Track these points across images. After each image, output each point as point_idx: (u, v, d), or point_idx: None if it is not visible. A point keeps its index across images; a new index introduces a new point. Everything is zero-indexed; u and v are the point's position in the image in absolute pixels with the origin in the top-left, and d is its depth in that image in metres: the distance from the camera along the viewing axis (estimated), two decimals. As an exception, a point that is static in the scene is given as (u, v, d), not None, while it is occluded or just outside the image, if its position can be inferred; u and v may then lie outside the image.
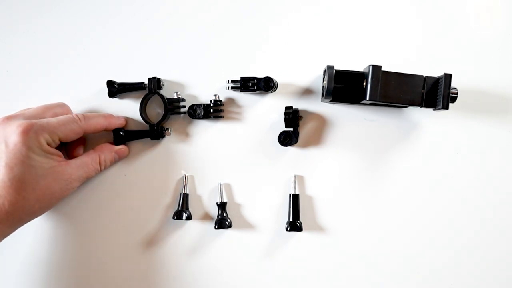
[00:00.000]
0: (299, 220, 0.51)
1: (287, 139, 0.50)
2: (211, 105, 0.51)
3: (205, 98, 0.53)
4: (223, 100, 0.53)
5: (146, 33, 0.53)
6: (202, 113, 0.51)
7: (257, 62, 0.53)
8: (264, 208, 0.53)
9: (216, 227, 0.51)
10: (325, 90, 0.48)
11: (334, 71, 0.47)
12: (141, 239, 0.53)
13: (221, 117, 0.52)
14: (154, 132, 0.52)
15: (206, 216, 0.53)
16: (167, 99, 0.51)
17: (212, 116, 0.52)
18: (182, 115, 0.53)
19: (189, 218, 0.52)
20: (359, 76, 0.48)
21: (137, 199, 0.53)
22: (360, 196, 0.52)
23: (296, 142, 0.50)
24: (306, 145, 0.52)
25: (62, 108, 0.50)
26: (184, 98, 0.52)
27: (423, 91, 0.47)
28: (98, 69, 0.54)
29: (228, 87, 0.51)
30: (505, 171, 0.52)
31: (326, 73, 0.47)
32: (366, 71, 0.46)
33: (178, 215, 0.51)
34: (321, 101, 0.52)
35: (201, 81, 0.53)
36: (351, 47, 0.52)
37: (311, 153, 0.52)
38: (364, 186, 0.52)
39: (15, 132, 0.44)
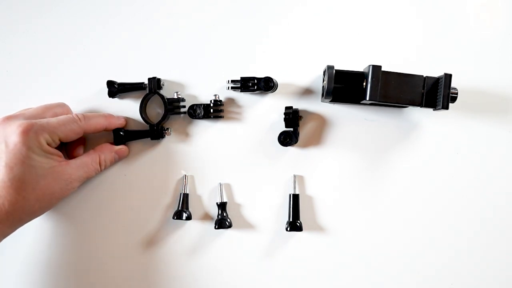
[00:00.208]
0: (299, 220, 0.51)
1: (287, 139, 0.50)
2: (211, 105, 0.51)
3: (205, 98, 0.53)
4: (223, 100, 0.53)
5: (146, 33, 0.53)
6: (202, 113, 0.51)
7: (257, 62, 0.53)
8: (264, 208, 0.53)
9: (216, 227, 0.51)
10: (325, 90, 0.48)
11: (334, 71, 0.47)
12: (141, 239, 0.53)
13: (221, 117, 0.52)
14: (154, 132, 0.52)
15: (206, 216, 0.53)
16: (167, 99, 0.51)
17: (212, 116, 0.52)
18: (182, 115, 0.53)
19: (189, 218, 0.52)
20: (359, 76, 0.48)
21: (137, 199, 0.53)
22: (360, 196, 0.52)
23: (296, 142, 0.50)
24: (306, 145, 0.52)
25: (62, 108, 0.50)
26: (184, 98, 0.52)
27: (423, 91, 0.47)
28: (98, 69, 0.54)
29: (228, 87, 0.51)
30: (505, 171, 0.52)
31: (326, 73, 0.47)
32: (366, 71, 0.46)
33: (178, 215, 0.51)
34: (321, 101, 0.52)
35: (201, 81, 0.53)
36: (351, 47, 0.52)
37: (311, 153, 0.52)
38: (364, 186, 0.52)
39: (15, 132, 0.44)
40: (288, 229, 0.51)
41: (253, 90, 0.50)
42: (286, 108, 0.50)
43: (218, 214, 0.52)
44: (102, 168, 0.51)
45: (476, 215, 0.52)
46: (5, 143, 0.44)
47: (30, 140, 0.44)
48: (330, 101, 0.50)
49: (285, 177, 0.52)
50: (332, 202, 0.52)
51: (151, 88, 0.51)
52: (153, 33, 0.53)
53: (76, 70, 0.54)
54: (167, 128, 0.53)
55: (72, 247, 0.53)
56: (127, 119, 0.53)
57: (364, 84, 0.46)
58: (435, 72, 0.47)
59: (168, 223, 0.53)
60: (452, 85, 0.46)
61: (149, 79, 0.52)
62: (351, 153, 0.52)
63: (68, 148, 0.51)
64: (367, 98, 0.45)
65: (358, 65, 0.49)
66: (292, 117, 0.50)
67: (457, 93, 0.48)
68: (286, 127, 0.51)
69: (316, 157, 0.52)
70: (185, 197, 0.52)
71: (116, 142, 0.52)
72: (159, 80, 0.52)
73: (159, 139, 0.52)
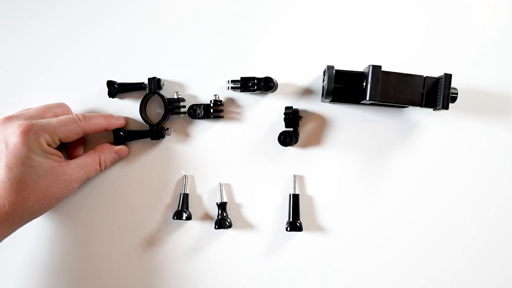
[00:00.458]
0: (299, 220, 0.51)
1: (287, 139, 0.50)
2: (211, 105, 0.51)
3: (205, 98, 0.53)
4: (223, 100, 0.53)
5: (146, 33, 0.53)
6: (202, 113, 0.51)
7: (257, 62, 0.53)
8: (264, 208, 0.53)
9: (216, 227, 0.51)
10: (325, 90, 0.48)
11: (334, 71, 0.47)
12: (141, 239, 0.53)
13: (221, 117, 0.52)
14: (154, 132, 0.52)
15: (206, 216, 0.53)
16: (167, 99, 0.51)
17: (212, 116, 0.52)
18: (182, 115, 0.53)
19: (189, 218, 0.52)
20: (359, 76, 0.48)
21: (137, 199, 0.53)
22: (360, 196, 0.52)
23: (296, 142, 0.50)
24: (306, 145, 0.52)
25: (62, 108, 0.50)
26: (184, 98, 0.52)
27: (423, 91, 0.47)
28: (98, 69, 0.54)
29: (228, 87, 0.51)
30: (505, 171, 0.52)
31: (326, 73, 0.47)
32: (366, 71, 0.46)
33: (178, 215, 0.51)
34: (321, 101, 0.52)
35: (201, 81, 0.53)
36: (351, 47, 0.52)
37: (311, 153, 0.52)
38: (364, 186, 0.52)
39: (15, 132, 0.44)
40: (288, 229, 0.51)
41: (253, 90, 0.50)
42: (286, 108, 0.50)
43: (218, 214, 0.52)
44: (102, 168, 0.51)
45: (476, 215, 0.52)
46: (5, 144, 0.44)
47: (30, 140, 0.44)
48: (330, 101, 0.50)
49: (285, 177, 0.52)
50: (332, 202, 0.52)
51: (151, 88, 0.51)
52: (153, 33, 0.53)
53: (76, 70, 0.54)
54: (167, 128, 0.53)
55: (72, 247, 0.53)
56: (127, 119, 0.53)
57: (364, 84, 0.46)
58: (435, 72, 0.47)
59: (168, 223, 0.53)
60: (452, 85, 0.46)
61: (149, 79, 0.52)
62: (351, 153, 0.52)
63: (68, 148, 0.51)
64: (367, 98, 0.45)
65: (358, 65, 0.49)
66: (292, 117, 0.50)
67: (457, 93, 0.48)
68: (286, 127, 0.51)
69: (316, 157, 0.52)
70: (185, 197, 0.52)
71: (116, 142, 0.52)
72: (159, 80, 0.52)
73: (159, 139, 0.52)
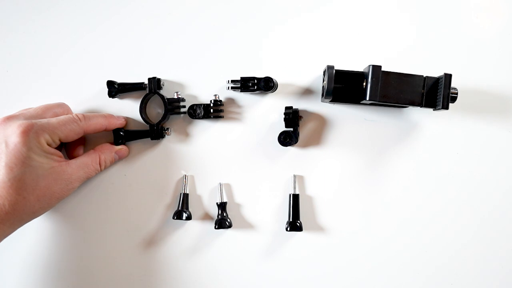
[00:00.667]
0: (299, 220, 0.51)
1: (287, 139, 0.50)
2: (211, 105, 0.51)
3: (205, 98, 0.53)
4: (223, 100, 0.53)
5: (146, 33, 0.53)
6: (202, 113, 0.51)
7: (257, 62, 0.53)
8: (264, 208, 0.53)
9: (216, 227, 0.51)
10: (325, 90, 0.48)
11: (334, 71, 0.47)
12: (141, 239, 0.53)
13: (221, 117, 0.52)
14: (154, 132, 0.52)
15: (206, 216, 0.53)
16: (167, 99, 0.51)
17: (212, 116, 0.52)
18: (182, 115, 0.53)
19: (189, 218, 0.52)
20: (359, 76, 0.48)
21: (137, 199, 0.53)
22: (360, 196, 0.52)
23: (296, 142, 0.50)
24: (306, 145, 0.52)
25: (62, 108, 0.50)
26: (184, 98, 0.52)
27: (423, 91, 0.47)
28: (98, 69, 0.54)
29: (228, 87, 0.51)
30: (505, 171, 0.52)
31: (326, 73, 0.47)
32: (366, 71, 0.46)
33: (178, 215, 0.51)
34: (321, 101, 0.52)
35: (201, 81, 0.53)
36: (351, 47, 0.52)
37: (311, 153, 0.52)
38: (364, 186, 0.52)
39: (15, 132, 0.44)
40: (288, 229, 0.51)
41: (253, 90, 0.50)
42: (286, 108, 0.50)
43: (218, 214, 0.52)
44: (102, 168, 0.51)
45: (476, 215, 0.52)
46: (5, 143, 0.44)
47: (30, 140, 0.44)
48: (330, 101, 0.50)
49: (285, 177, 0.52)
50: (332, 202, 0.52)
51: (151, 88, 0.51)
52: (153, 33, 0.53)
53: (76, 70, 0.54)
54: (167, 128, 0.53)
55: (72, 247, 0.53)
56: (127, 119, 0.53)
57: (364, 84, 0.46)
58: (435, 72, 0.47)
59: (168, 223, 0.53)
60: (452, 85, 0.46)
61: (149, 79, 0.52)
62: (351, 153, 0.52)
63: (68, 148, 0.51)
64: (367, 98, 0.45)
65: (358, 65, 0.49)
66: (292, 117, 0.50)
67: (457, 93, 0.48)
68: (286, 127, 0.51)
69: (316, 157, 0.52)
70: (185, 197, 0.52)
71: (116, 142, 0.52)
72: (159, 80, 0.52)
73: (159, 139, 0.52)
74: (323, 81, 0.50)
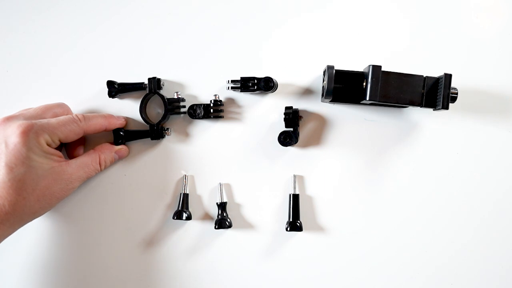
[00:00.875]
0: (299, 220, 0.51)
1: (287, 139, 0.50)
2: (211, 105, 0.51)
3: (205, 98, 0.53)
4: (223, 100, 0.53)
5: (146, 33, 0.53)
6: (202, 113, 0.51)
7: (257, 62, 0.53)
8: (264, 208, 0.53)
9: (216, 227, 0.51)
10: (325, 90, 0.48)
11: (334, 71, 0.47)
12: (141, 239, 0.53)
13: (221, 117, 0.52)
14: (154, 132, 0.52)
15: (206, 216, 0.53)
16: (167, 99, 0.51)
17: (212, 116, 0.52)
18: (182, 115, 0.53)
19: (189, 218, 0.52)
20: (359, 76, 0.48)
21: (137, 199, 0.53)
22: (360, 196, 0.52)
23: (296, 142, 0.50)
24: (306, 145, 0.52)
25: (62, 108, 0.50)
26: (184, 98, 0.52)
27: (423, 91, 0.47)
28: (98, 69, 0.54)
29: (228, 87, 0.51)
30: (505, 171, 0.52)
31: (326, 73, 0.47)
32: (366, 71, 0.46)
33: (178, 215, 0.51)
34: (321, 101, 0.52)
35: (201, 81, 0.53)
36: (351, 47, 0.52)
37: (311, 153, 0.52)
38: (364, 186, 0.52)
39: (15, 132, 0.44)
40: (288, 229, 0.51)
41: (253, 90, 0.50)
42: (286, 108, 0.50)
43: (218, 214, 0.52)
44: (102, 168, 0.51)
45: (476, 215, 0.52)
46: (5, 144, 0.44)
47: (30, 140, 0.44)
48: (330, 101, 0.50)
49: (285, 177, 0.52)
50: (332, 202, 0.52)
51: (151, 88, 0.51)
52: (153, 33, 0.53)
53: (76, 70, 0.54)
54: (167, 128, 0.53)
55: (72, 247, 0.53)
56: (127, 119, 0.53)
57: (364, 84, 0.46)
58: (435, 72, 0.47)
59: (168, 223, 0.53)
60: (452, 85, 0.46)
61: (149, 79, 0.52)
62: (351, 153, 0.52)
63: (68, 148, 0.51)
64: (367, 98, 0.45)
65: (358, 65, 0.49)
66: (292, 117, 0.50)
67: (457, 93, 0.48)
68: (286, 127, 0.51)
69: (316, 157, 0.52)
70: (185, 197, 0.52)
71: (116, 142, 0.52)
72: (159, 80, 0.52)
73: (159, 139, 0.52)
74: (323, 81, 0.50)
